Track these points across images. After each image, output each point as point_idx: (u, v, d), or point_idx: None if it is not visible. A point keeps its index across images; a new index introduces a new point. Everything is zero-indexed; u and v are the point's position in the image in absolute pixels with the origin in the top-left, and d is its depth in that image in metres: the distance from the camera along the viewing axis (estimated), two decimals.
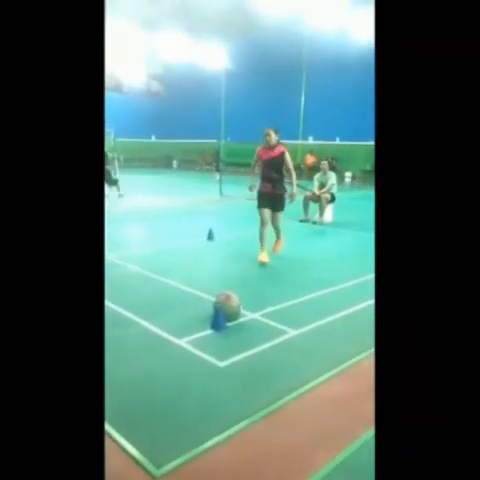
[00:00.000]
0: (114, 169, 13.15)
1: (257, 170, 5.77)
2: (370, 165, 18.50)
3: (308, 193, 8.87)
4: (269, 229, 5.76)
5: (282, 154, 5.57)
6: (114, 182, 12.16)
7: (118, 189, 12.19)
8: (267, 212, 5.65)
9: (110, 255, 5.81)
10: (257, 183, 5.73)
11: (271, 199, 5.61)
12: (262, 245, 5.61)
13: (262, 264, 5.48)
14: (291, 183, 5.65)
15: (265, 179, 5.64)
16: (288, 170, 5.65)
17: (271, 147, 5.56)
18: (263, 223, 5.66)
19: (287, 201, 5.71)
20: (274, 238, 5.95)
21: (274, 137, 5.54)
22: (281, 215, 5.77)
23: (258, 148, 5.73)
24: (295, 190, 5.65)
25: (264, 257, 5.50)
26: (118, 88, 26.90)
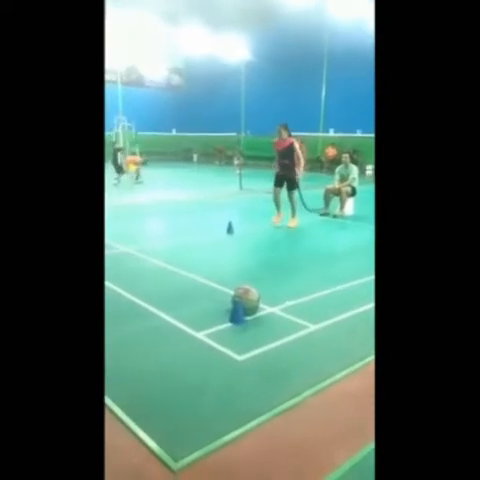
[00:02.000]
0: (124, 159, 13.79)
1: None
2: None
3: (330, 186, 8.76)
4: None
5: (291, 145, 7.20)
6: (121, 168, 13.43)
7: (117, 178, 13.19)
8: (278, 190, 7.45)
9: (131, 247, 5.86)
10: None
11: (286, 180, 7.29)
12: (278, 211, 7.46)
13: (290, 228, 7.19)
14: (299, 162, 7.25)
15: (280, 164, 7.38)
16: (297, 157, 7.22)
17: (283, 139, 7.21)
18: (276, 199, 7.46)
19: (297, 178, 7.30)
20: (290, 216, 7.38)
21: (284, 133, 7.16)
22: (296, 193, 7.35)
23: (275, 140, 7.39)
24: (300, 171, 7.34)
25: (278, 219, 7.36)
26: (139, 82, 27.06)
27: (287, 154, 7.20)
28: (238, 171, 13.08)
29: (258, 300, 3.64)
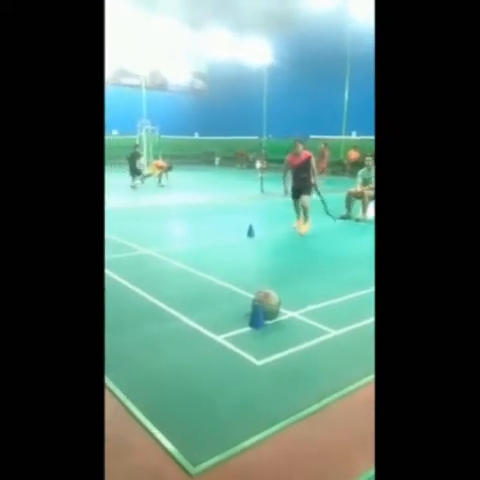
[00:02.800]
0: (140, 163, 14.00)
1: (288, 174, 7.34)
2: None
3: (352, 189, 8.66)
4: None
5: (308, 159, 7.10)
6: (138, 172, 13.50)
7: (140, 179, 13.41)
8: (297, 201, 7.33)
9: (152, 249, 5.90)
10: (289, 185, 7.34)
11: (301, 189, 7.22)
12: (298, 217, 7.34)
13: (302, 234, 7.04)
14: (314, 176, 7.25)
15: (296, 179, 7.23)
16: (313, 171, 7.18)
17: (298, 154, 7.09)
18: (296, 209, 7.43)
19: (315, 193, 7.33)
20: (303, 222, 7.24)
21: (301, 147, 7.11)
22: (309, 198, 7.21)
23: (287, 156, 7.32)
24: (317, 181, 7.37)
25: (297, 224, 7.30)
26: (163, 86, 27.40)
27: (304, 169, 7.10)
28: (260, 175, 13.05)
29: (278, 304, 3.61)
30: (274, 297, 3.59)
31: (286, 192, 7.37)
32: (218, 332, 3.32)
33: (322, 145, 15.63)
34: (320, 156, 14.42)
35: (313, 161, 7.15)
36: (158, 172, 14.73)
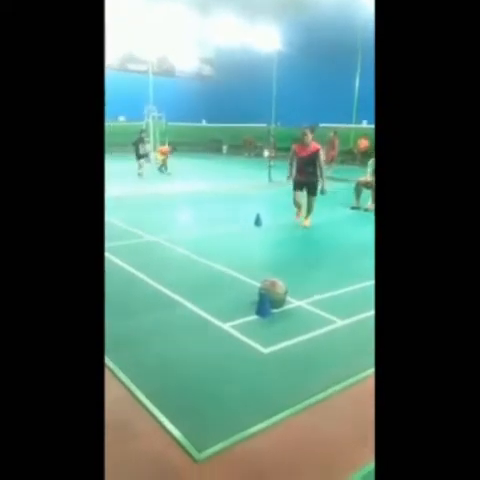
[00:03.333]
0: (144, 147, 13.92)
1: (294, 163, 6.63)
2: None
3: (361, 179, 8.57)
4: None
5: (317, 152, 6.37)
6: (142, 157, 13.46)
7: (143, 163, 13.38)
8: (299, 194, 6.74)
9: (159, 237, 5.90)
10: (295, 171, 6.65)
11: (306, 185, 6.58)
12: (298, 211, 6.90)
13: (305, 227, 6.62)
14: (321, 177, 6.50)
15: (300, 171, 6.51)
16: (320, 167, 6.43)
17: (307, 144, 6.35)
18: (296, 202, 6.83)
19: (320, 194, 6.60)
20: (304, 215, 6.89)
21: (310, 137, 6.32)
22: (315, 199, 6.65)
23: (294, 145, 6.58)
24: (325, 184, 6.57)
25: (299, 217, 6.86)
26: (170, 72, 27.16)
27: (311, 161, 6.44)
28: (269, 163, 12.92)
29: (285, 293, 3.60)
30: (281, 286, 3.57)
31: (291, 175, 6.77)
32: (225, 320, 3.32)
33: (331, 133, 15.44)
34: (330, 145, 14.21)
35: (322, 155, 6.49)
36: (162, 158, 14.60)
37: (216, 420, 2.22)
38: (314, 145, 6.38)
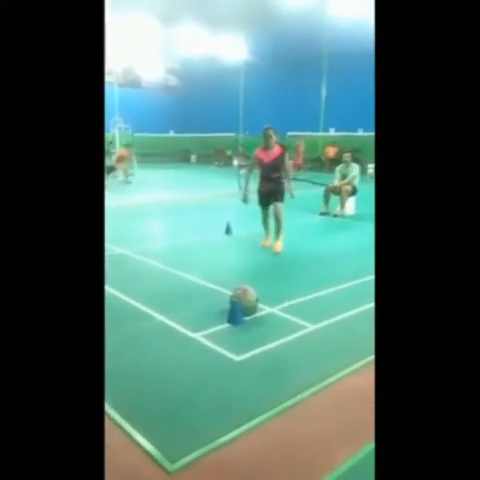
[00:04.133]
0: (111, 160, 13.73)
1: (250, 175, 5.97)
2: None
3: (330, 185, 8.72)
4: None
5: (282, 155, 5.70)
6: (109, 168, 13.21)
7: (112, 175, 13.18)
8: (267, 209, 5.97)
9: (128, 249, 5.82)
10: (249, 188, 5.93)
11: (271, 195, 5.81)
12: (266, 235, 6.04)
13: (276, 253, 5.70)
14: (288, 181, 5.88)
15: (266, 179, 5.78)
16: (286, 169, 5.79)
17: (270, 148, 5.67)
18: (265, 220, 6.10)
19: (289, 197, 5.95)
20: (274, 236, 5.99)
21: (274, 139, 5.65)
22: (282, 206, 5.84)
23: (256, 151, 5.83)
24: (292, 187, 6.01)
25: (267, 243, 5.96)
26: (136, 83, 27.03)
27: (276, 167, 5.70)
28: (240, 172, 12.98)
29: (256, 300, 3.61)
30: (252, 293, 3.59)
31: (246, 199, 5.97)
32: (196, 330, 3.30)
33: (297, 142, 15.68)
34: (296, 152, 14.41)
35: (287, 157, 5.82)
36: (123, 167, 14.10)
37: (189, 430, 2.20)
38: (278, 148, 5.72)
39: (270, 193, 5.79)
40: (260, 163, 5.77)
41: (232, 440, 2.11)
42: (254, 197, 6.04)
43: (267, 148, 5.68)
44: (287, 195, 5.94)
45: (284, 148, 5.80)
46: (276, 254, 5.65)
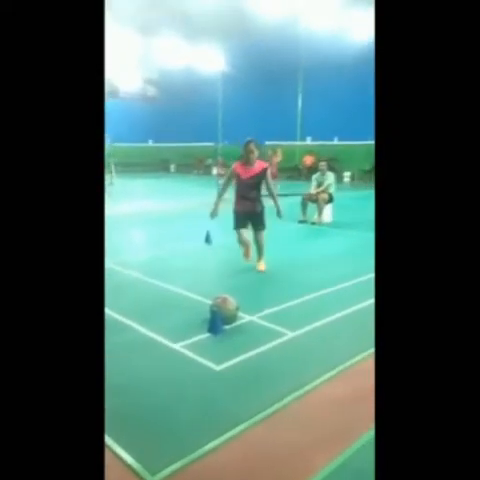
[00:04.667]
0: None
1: (227, 187, 5.26)
2: (369, 165, 18.48)
3: (307, 193, 8.84)
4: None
5: (264, 171, 5.01)
6: None
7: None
8: (246, 233, 5.20)
9: (107, 261, 5.77)
10: (220, 204, 5.26)
11: (251, 218, 5.15)
12: (246, 251, 5.30)
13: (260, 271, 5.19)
14: (274, 199, 5.14)
15: (243, 198, 5.09)
16: (269, 187, 5.11)
17: (250, 164, 5.00)
18: (243, 245, 5.26)
19: (277, 217, 5.24)
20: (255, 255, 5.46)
21: (256, 153, 4.98)
22: (263, 234, 5.26)
23: (235, 165, 5.13)
24: (280, 206, 5.19)
25: (249, 256, 5.28)
26: (114, 93, 26.92)
27: (255, 185, 5.03)
28: (219, 181, 13.04)
29: (236, 309, 3.63)
30: (231, 302, 3.61)
31: (214, 213, 5.29)
32: (176, 340, 3.29)
33: (270, 151, 15.77)
34: (269, 163, 14.45)
35: (269, 175, 5.10)
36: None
37: (170, 441, 2.19)
38: (259, 164, 5.06)
39: (248, 215, 5.13)
40: (237, 178, 5.10)
41: (214, 450, 2.12)
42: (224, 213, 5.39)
43: (247, 163, 5.01)
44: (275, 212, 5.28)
45: (267, 164, 5.24)
46: (260, 272, 5.26)
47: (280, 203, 5.20)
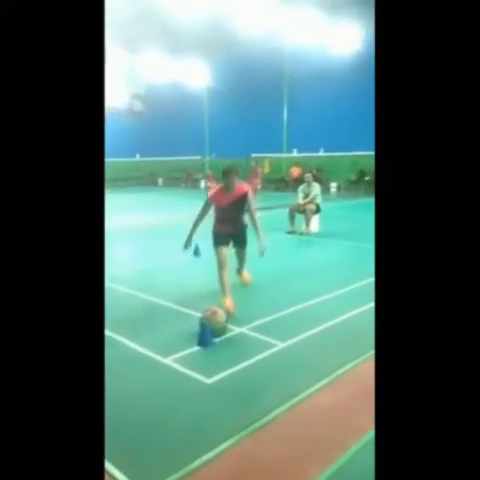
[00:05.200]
0: None
1: (202, 218, 4.78)
2: (354, 175, 18.71)
3: (294, 204, 8.92)
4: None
5: (245, 195, 4.62)
6: None
7: None
8: (226, 251, 4.73)
9: None
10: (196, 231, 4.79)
11: (232, 237, 4.86)
12: (225, 291, 4.45)
13: (228, 313, 4.02)
14: (257, 231, 4.61)
15: (223, 221, 4.75)
16: (251, 215, 4.66)
17: (230, 191, 4.59)
18: (222, 266, 4.62)
19: (259, 255, 4.65)
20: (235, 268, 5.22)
21: (235, 179, 4.56)
22: (246, 252, 5.02)
23: (211, 194, 4.76)
24: (263, 240, 4.60)
25: (230, 303, 4.31)
26: None
27: (237, 207, 4.68)
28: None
29: (226, 321, 3.63)
30: (221, 314, 3.61)
31: (186, 244, 4.86)
32: (166, 354, 3.28)
33: (253, 163, 15.85)
34: (253, 174, 14.49)
35: (252, 197, 4.70)
36: None
37: (160, 457, 2.18)
38: (239, 187, 4.63)
39: (228, 235, 4.81)
40: (217, 206, 4.73)
41: (204, 464, 2.10)
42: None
43: (227, 190, 4.60)
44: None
45: (248, 188, 4.76)
46: (246, 285, 5.06)
47: (263, 236, 4.64)
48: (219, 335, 3.55)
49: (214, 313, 3.58)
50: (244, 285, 5.17)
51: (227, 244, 4.81)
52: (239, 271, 5.21)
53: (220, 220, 4.79)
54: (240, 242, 4.93)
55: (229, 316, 3.88)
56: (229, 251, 4.86)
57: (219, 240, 4.76)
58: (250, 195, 4.67)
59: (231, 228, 4.78)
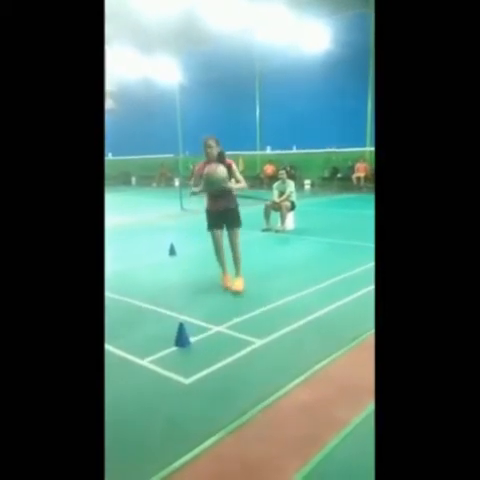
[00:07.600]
0: None
1: (199, 186, 4.82)
2: (327, 172, 18.90)
3: (268, 202, 8.94)
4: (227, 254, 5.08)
5: (229, 167, 4.76)
6: None
7: None
8: (220, 234, 4.92)
9: None
10: (201, 186, 4.79)
11: (224, 216, 4.87)
12: (224, 270, 4.88)
13: (236, 293, 4.68)
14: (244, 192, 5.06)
15: (213, 196, 4.81)
16: (239, 181, 4.84)
17: (213, 160, 4.74)
18: (218, 248, 4.92)
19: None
20: (233, 269, 5.05)
21: (216, 149, 4.76)
22: (239, 232, 4.97)
23: (198, 165, 4.92)
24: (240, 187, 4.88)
25: (228, 282, 4.80)
26: None
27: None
28: (180, 192, 12.98)
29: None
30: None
31: (194, 192, 4.90)
32: (143, 356, 3.23)
33: (227, 160, 15.86)
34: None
35: (235, 168, 4.90)
36: None
37: (140, 459, 2.14)
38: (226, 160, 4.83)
39: (221, 214, 4.84)
40: (200, 174, 4.78)
41: (183, 465, 2.09)
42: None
43: (209, 160, 4.75)
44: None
45: (232, 161, 4.92)
46: (237, 294, 4.74)
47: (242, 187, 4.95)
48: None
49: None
50: (236, 294, 4.75)
51: (220, 226, 4.93)
52: (236, 272, 5.03)
53: (211, 196, 4.86)
54: (233, 220, 4.93)
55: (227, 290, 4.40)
56: (222, 233, 4.96)
57: (213, 221, 4.90)
58: (234, 166, 4.86)
59: (223, 204, 4.83)
